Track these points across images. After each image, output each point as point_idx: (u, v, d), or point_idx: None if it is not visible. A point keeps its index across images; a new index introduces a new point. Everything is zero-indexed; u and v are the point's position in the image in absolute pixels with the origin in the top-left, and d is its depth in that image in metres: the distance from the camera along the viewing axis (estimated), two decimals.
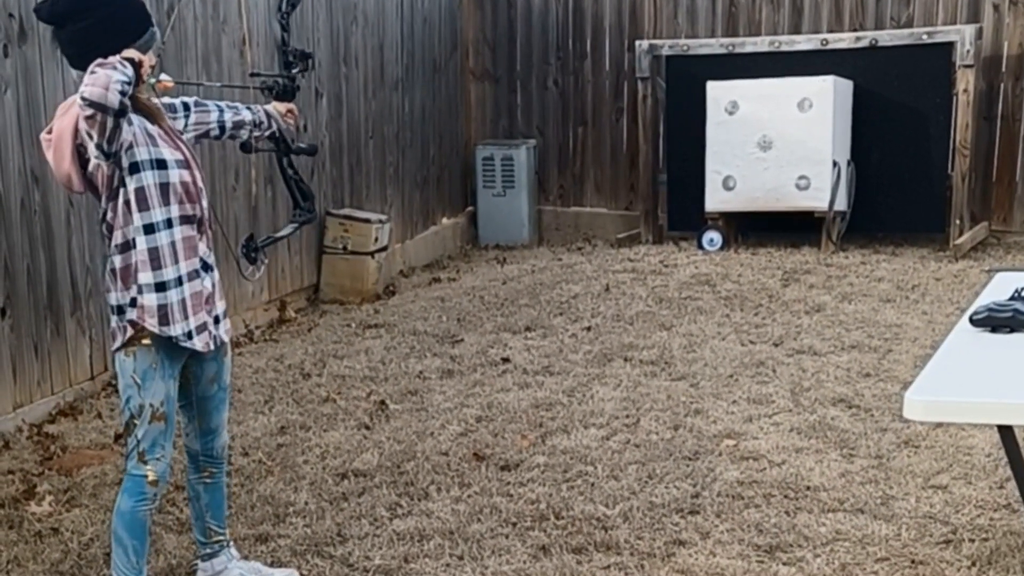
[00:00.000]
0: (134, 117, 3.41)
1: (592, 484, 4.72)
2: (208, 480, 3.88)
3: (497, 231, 10.48)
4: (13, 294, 5.55)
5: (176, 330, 3.48)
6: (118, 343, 3.50)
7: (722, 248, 9.20)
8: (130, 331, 3.47)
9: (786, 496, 4.54)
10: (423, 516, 4.48)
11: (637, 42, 9.82)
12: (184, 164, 3.53)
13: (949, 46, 8.80)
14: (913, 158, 9.09)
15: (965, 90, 8.75)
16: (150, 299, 3.44)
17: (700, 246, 9.30)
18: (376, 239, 8.27)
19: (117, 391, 5.86)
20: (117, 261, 3.47)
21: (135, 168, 3.41)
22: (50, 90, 5.73)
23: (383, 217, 8.55)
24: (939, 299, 7.47)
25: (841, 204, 8.95)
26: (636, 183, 10.19)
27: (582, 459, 4.99)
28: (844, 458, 4.91)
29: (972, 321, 3.52)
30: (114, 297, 3.50)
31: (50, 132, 3.45)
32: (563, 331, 7.10)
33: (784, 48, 9.24)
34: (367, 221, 8.29)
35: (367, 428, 5.52)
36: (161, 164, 3.45)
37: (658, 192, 9.96)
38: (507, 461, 5.01)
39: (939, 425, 5.07)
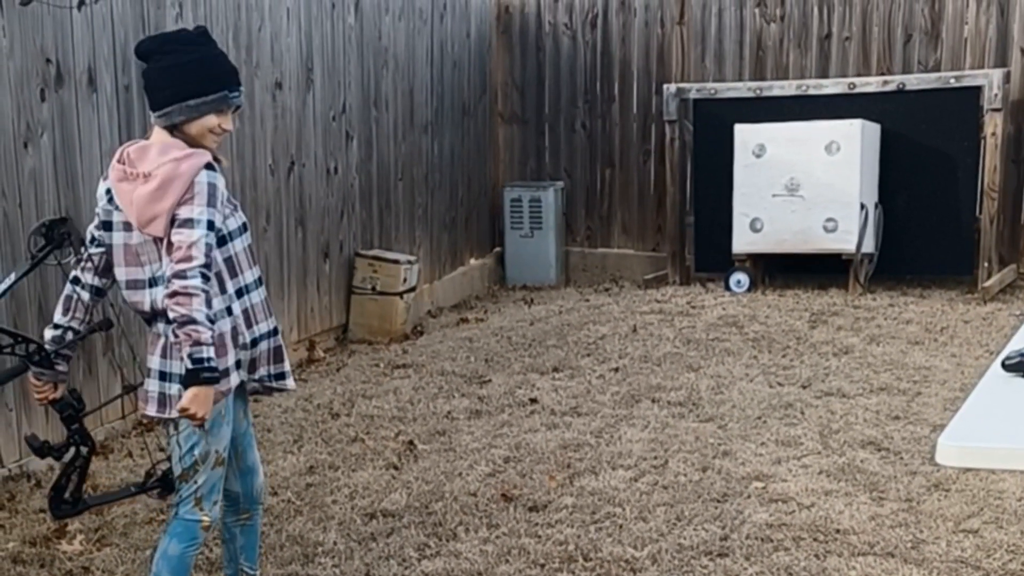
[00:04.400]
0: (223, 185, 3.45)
1: (620, 526, 4.72)
2: (246, 522, 3.87)
3: (525, 272, 10.52)
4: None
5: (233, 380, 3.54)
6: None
7: (749, 290, 9.20)
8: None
9: (815, 539, 4.52)
10: (451, 557, 4.48)
11: (665, 85, 9.88)
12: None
13: (977, 90, 8.81)
14: (941, 201, 9.08)
15: (993, 134, 8.75)
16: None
17: (727, 287, 9.31)
18: (405, 279, 8.32)
19: (149, 431, 5.94)
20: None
21: (223, 240, 3.47)
22: (85, 133, 5.82)
23: (412, 258, 8.60)
24: (968, 342, 7.44)
25: (868, 246, 8.94)
26: (663, 225, 10.21)
27: (610, 500, 4.99)
28: (874, 501, 4.89)
29: (1004, 366, 3.51)
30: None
31: (133, 167, 3.42)
32: (591, 372, 7.11)
33: (812, 92, 9.28)
34: (396, 262, 8.34)
35: (395, 468, 5.53)
36: (244, 228, 3.57)
37: (685, 234, 9.97)
38: (535, 502, 5.01)
39: (969, 469, 5.04)
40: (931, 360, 7.03)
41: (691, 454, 5.54)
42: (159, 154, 3.41)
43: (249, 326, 3.54)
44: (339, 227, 8.28)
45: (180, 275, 3.26)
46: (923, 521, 4.66)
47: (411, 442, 5.88)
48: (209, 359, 3.27)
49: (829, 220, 8.84)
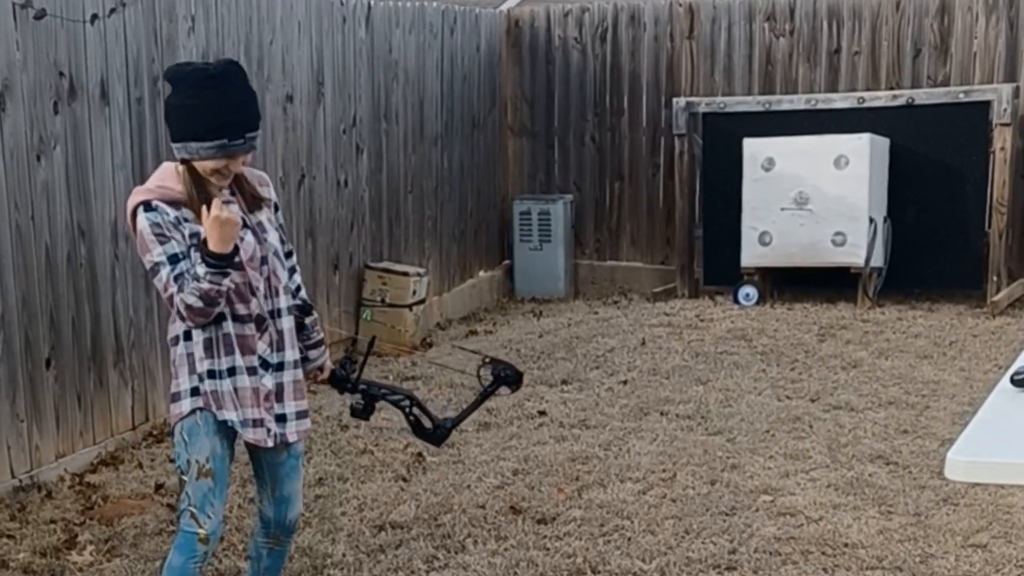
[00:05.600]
0: (189, 226, 3.42)
1: (629, 539, 4.72)
2: (275, 547, 3.85)
3: (533, 284, 10.54)
4: (58, 345, 5.64)
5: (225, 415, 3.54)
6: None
7: (758, 303, 9.21)
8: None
9: (824, 553, 4.52)
10: (460, 569, 4.49)
11: (674, 99, 9.91)
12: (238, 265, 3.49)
13: (986, 105, 8.82)
14: (950, 215, 9.09)
15: (1002, 148, 8.77)
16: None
17: (736, 301, 9.31)
18: (414, 292, 8.34)
19: (158, 441, 5.99)
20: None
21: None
22: (97, 146, 5.85)
23: (421, 270, 8.62)
24: (976, 356, 7.44)
25: (877, 260, 8.94)
26: (672, 238, 10.22)
27: (619, 513, 5.00)
28: (882, 515, 4.89)
29: (1013, 381, 3.51)
30: None
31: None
32: (599, 384, 7.12)
33: (821, 106, 9.29)
34: (405, 274, 8.37)
35: (404, 480, 5.54)
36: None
37: (694, 247, 9.99)
38: (543, 515, 5.02)
39: (978, 483, 5.02)
40: (940, 374, 7.03)
41: (699, 467, 5.55)
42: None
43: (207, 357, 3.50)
44: (349, 239, 8.31)
45: (178, 315, 3.43)
46: (932, 535, 4.66)
47: (420, 454, 5.89)
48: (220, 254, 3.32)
49: (838, 234, 8.84)
